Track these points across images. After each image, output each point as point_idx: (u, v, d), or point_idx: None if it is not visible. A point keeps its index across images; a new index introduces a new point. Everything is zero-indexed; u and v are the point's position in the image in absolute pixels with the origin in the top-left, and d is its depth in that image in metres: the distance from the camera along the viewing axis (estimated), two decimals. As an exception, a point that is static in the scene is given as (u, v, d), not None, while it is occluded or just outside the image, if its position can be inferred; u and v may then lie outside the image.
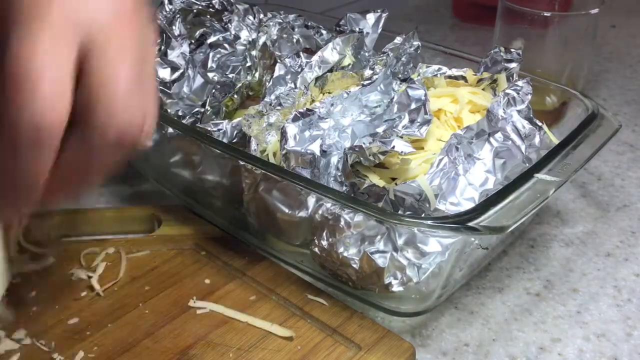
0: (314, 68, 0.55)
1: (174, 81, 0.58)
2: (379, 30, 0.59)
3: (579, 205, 0.66)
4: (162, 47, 0.60)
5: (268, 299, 0.52)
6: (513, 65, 0.56)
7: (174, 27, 0.61)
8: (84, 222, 0.60)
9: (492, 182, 0.48)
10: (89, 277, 0.53)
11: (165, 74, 0.59)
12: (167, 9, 0.63)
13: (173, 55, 0.59)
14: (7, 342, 0.47)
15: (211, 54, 0.60)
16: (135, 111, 0.35)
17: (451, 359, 0.49)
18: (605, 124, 0.53)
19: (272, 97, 0.53)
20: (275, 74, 0.54)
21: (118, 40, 0.34)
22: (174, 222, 0.60)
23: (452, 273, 0.48)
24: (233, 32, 0.62)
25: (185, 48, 0.60)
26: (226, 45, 0.61)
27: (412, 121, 0.48)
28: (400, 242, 0.46)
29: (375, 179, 0.48)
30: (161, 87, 0.58)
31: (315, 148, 0.49)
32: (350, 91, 0.52)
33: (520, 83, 0.53)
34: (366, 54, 0.58)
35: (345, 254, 0.48)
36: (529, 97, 0.53)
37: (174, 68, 0.59)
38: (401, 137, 0.46)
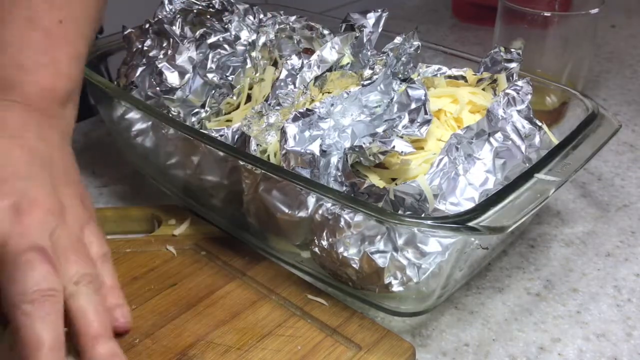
0: (312, 67, 0.54)
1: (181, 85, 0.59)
2: (379, 30, 0.59)
3: (579, 205, 0.66)
4: (170, 52, 0.60)
5: (268, 299, 0.52)
6: (513, 65, 0.56)
7: (174, 28, 0.61)
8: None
9: (492, 182, 0.48)
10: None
11: (174, 78, 0.59)
12: (167, 9, 0.63)
13: (181, 60, 0.59)
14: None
15: (210, 55, 0.60)
16: None
17: (451, 359, 0.49)
18: (605, 124, 0.53)
19: (272, 98, 0.53)
20: (282, 76, 0.54)
21: None
22: (174, 222, 0.60)
23: (452, 273, 0.48)
24: (233, 33, 0.62)
25: (193, 52, 0.60)
26: (226, 46, 0.61)
27: (412, 121, 0.48)
28: (400, 242, 0.46)
29: (375, 179, 0.48)
30: (162, 88, 0.59)
31: (315, 148, 0.49)
32: (350, 91, 0.52)
33: (520, 83, 0.53)
34: (368, 53, 0.58)
35: (345, 254, 0.48)
36: (529, 97, 0.53)
37: (182, 73, 0.59)
38: (401, 137, 0.46)
